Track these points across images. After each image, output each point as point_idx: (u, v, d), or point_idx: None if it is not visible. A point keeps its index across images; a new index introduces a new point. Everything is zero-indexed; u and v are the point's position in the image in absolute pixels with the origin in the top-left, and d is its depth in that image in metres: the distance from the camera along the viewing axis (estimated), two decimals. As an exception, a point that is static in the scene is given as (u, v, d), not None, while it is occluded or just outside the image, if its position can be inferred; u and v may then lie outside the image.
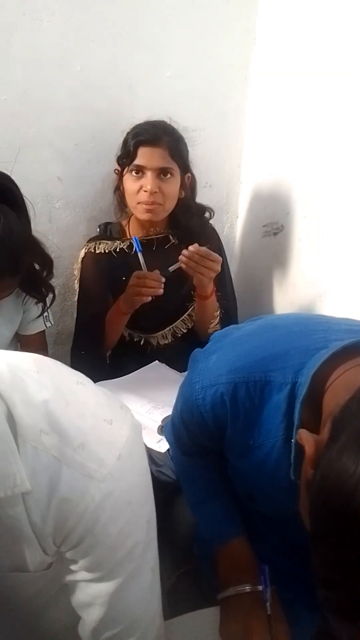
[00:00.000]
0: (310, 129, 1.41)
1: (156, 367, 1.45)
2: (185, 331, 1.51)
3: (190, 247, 1.29)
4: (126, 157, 1.34)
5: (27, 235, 1.07)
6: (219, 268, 1.33)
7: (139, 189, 1.34)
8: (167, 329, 1.51)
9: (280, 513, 0.77)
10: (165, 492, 1.09)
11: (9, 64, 1.33)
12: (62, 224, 1.56)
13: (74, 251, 1.60)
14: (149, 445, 1.13)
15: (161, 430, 1.13)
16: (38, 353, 1.37)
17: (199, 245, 1.31)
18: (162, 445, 1.11)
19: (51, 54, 1.35)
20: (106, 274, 1.42)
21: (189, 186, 1.43)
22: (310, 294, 1.50)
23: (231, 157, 1.71)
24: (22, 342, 1.39)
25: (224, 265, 1.56)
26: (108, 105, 1.46)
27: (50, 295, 1.27)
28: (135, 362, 1.45)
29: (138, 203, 1.35)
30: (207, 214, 1.50)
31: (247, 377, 0.67)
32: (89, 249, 1.45)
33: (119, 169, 1.40)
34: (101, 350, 1.47)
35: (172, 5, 1.44)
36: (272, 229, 1.63)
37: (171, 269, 1.33)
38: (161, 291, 1.31)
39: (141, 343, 1.51)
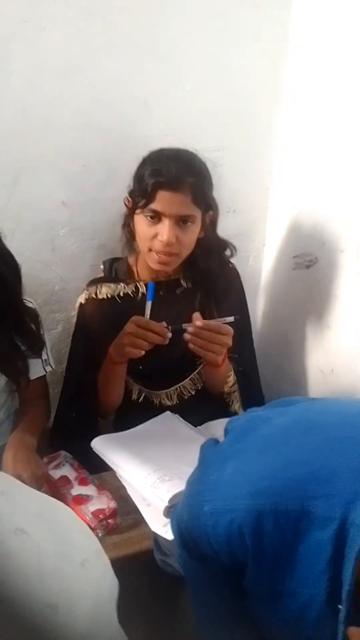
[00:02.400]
0: (351, 151, 1.22)
1: (167, 420, 1.27)
2: (193, 393, 1.32)
3: (197, 322, 1.09)
4: (141, 196, 1.13)
5: None
6: (230, 341, 1.12)
7: (153, 236, 1.14)
8: (173, 388, 1.31)
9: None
10: (171, 586, 0.91)
11: (7, 78, 1.19)
12: (66, 252, 1.41)
13: (80, 283, 1.44)
14: (153, 529, 0.96)
15: (168, 512, 0.93)
16: (35, 402, 1.25)
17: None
18: (169, 531, 0.92)
19: (55, 66, 1.21)
20: (108, 322, 1.22)
21: (209, 222, 1.24)
22: (349, 339, 1.30)
23: (258, 180, 1.53)
24: (19, 388, 1.24)
25: (244, 313, 1.38)
26: (119, 123, 1.31)
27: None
28: (137, 422, 1.25)
29: (150, 250, 1.17)
30: (227, 252, 1.31)
31: (276, 503, 0.49)
32: (90, 294, 1.27)
33: (130, 201, 1.20)
34: (95, 413, 1.28)
35: (192, 11, 1.28)
36: (305, 261, 1.44)
37: (186, 326, 1.11)
38: (167, 341, 1.10)
39: (140, 400, 1.31)
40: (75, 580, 0.40)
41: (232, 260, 1.35)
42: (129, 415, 1.31)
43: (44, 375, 1.26)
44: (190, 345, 1.11)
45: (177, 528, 0.72)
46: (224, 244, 1.30)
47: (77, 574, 0.40)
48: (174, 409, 1.30)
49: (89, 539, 0.44)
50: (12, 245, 1.07)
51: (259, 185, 1.54)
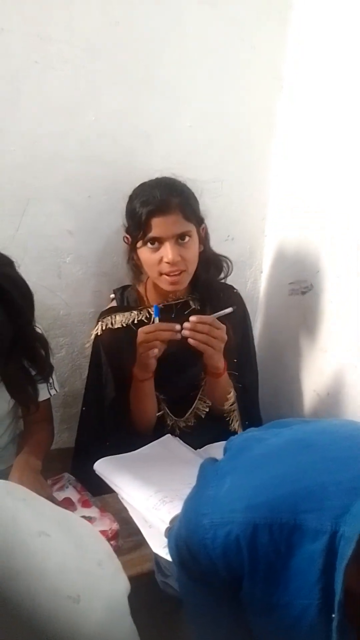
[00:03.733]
0: (342, 181, 1.28)
1: (167, 443, 1.29)
2: (207, 410, 1.36)
3: (192, 318, 1.15)
4: (138, 229, 1.20)
5: (6, 337, 0.96)
6: (225, 335, 1.18)
7: (159, 261, 1.20)
8: (189, 412, 1.35)
9: None
10: (172, 607, 0.92)
11: (18, 114, 1.26)
12: (72, 279, 1.46)
13: (84, 308, 1.49)
14: (154, 550, 0.97)
15: (168, 533, 0.95)
16: (39, 425, 1.27)
17: (224, 309, 1.18)
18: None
19: (62, 103, 1.28)
20: (125, 349, 1.25)
21: (204, 235, 1.30)
22: (343, 362, 1.34)
23: (255, 210, 1.59)
24: (24, 411, 1.26)
25: (247, 335, 1.43)
26: (122, 155, 1.37)
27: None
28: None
29: (161, 274, 1.22)
30: (225, 265, 1.37)
31: (271, 517, 0.52)
32: (106, 324, 1.30)
33: (128, 238, 1.26)
34: (128, 432, 1.31)
35: (192, 50, 1.36)
36: (300, 288, 1.49)
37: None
38: (179, 336, 1.15)
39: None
40: (93, 577, 0.43)
41: (231, 285, 1.40)
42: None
43: (49, 399, 1.28)
44: (190, 341, 1.15)
45: (175, 546, 0.74)
46: (220, 257, 1.36)
47: (95, 572, 0.44)
48: (183, 431, 1.33)
49: (101, 543, 0.47)
50: (19, 272, 1.12)
51: (255, 215, 1.59)
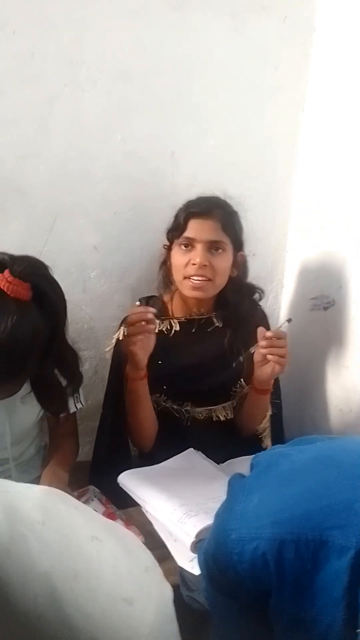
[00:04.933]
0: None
1: (190, 457, 1.30)
2: (223, 419, 1.37)
3: (268, 333, 1.18)
4: (176, 230, 1.25)
5: (42, 338, 0.97)
6: (287, 345, 1.20)
7: (187, 263, 1.23)
8: (203, 408, 1.35)
9: None
10: (197, 621, 0.93)
11: (49, 135, 1.30)
12: (96, 294, 1.49)
13: (107, 322, 1.52)
14: (180, 564, 0.98)
15: (195, 547, 0.96)
16: (65, 439, 1.28)
17: (246, 329, 1.22)
18: (195, 566, 0.94)
19: (92, 124, 1.32)
20: None
21: (240, 265, 1.32)
22: (366, 378, 1.34)
23: (277, 226, 1.61)
24: (50, 424, 1.29)
25: None
26: (149, 174, 1.41)
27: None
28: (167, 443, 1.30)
29: (185, 278, 1.24)
30: (256, 295, 1.39)
31: (297, 533, 0.53)
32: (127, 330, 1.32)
33: (168, 244, 1.30)
34: (128, 443, 1.34)
35: (217, 74, 1.40)
36: (322, 303, 1.50)
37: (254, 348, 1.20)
38: (150, 316, 1.15)
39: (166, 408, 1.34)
40: (143, 581, 0.46)
41: (254, 300, 1.42)
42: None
43: (74, 412, 1.29)
44: (269, 357, 1.17)
45: (204, 561, 0.75)
46: (253, 288, 1.38)
47: (144, 577, 0.46)
48: (201, 438, 1.33)
49: (145, 550, 0.49)
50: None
51: (277, 231, 1.62)
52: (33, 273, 0.96)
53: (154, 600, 0.45)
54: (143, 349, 1.17)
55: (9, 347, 0.89)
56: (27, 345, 0.92)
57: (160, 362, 1.25)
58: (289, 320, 1.25)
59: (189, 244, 1.23)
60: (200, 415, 1.36)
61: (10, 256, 0.99)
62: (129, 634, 0.42)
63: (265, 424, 1.34)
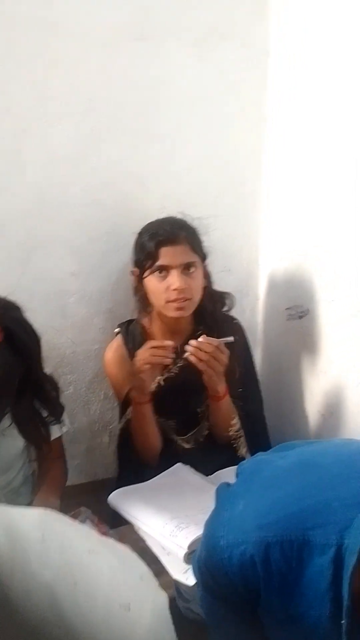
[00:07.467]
0: (330, 208, 1.35)
1: (178, 471, 1.32)
2: (206, 432, 1.40)
3: (200, 338, 1.22)
4: (147, 259, 1.28)
5: (15, 376, 1.00)
6: (227, 360, 1.24)
7: (166, 289, 1.27)
8: (188, 435, 1.40)
9: None
10: (194, 632, 0.95)
11: (22, 167, 1.34)
12: (76, 318, 1.52)
13: (89, 345, 1.55)
14: (174, 576, 1.00)
15: (188, 558, 0.98)
16: (53, 463, 1.29)
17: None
18: (189, 577, 0.96)
19: (63, 155, 1.37)
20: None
21: (208, 274, 1.38)
22: (344, 382, 1.38)
23: (249, 241, 1.66)
24: (37, 451, 1.29)
25: (249, 364, 1.49)
26: (121, 200, 1.45)
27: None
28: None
29: (167, 302, 1.29)
30: (227, 300, 1.44)
31: (281, 535, 0.57)
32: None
33: (137, 270, 1.33)
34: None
35: (181, 100, 1.45)
36: (297, 312, 1.54)
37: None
38: (168, 361, 1.23)
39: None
40: (138, 588, 0.48)
41: (231, 316, 1.46)
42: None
43: (61, 436, 1.30)
44: (192, 358, 1.21)
45: (197, 568, 0.78)
46: (222, 293, 1.43)
47: (139, 584, 0.49)
48: (190, 455, 1.37)
49: (139, 561, 0.52)
50: (26, 315, 1.17)
51: (249, 246, 1.67)
52: (4, 314, 1.00)
53: (149, 605, 0.48)
54: (151, 377, 1.26)
55: None
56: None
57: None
58: (234, 338, 1.30)
59: (164, 270, 1.27)
60: (187, 443, 1.40)
61: None
62: (128, 637, 0.45)
63: (237, 433, 1.37)
